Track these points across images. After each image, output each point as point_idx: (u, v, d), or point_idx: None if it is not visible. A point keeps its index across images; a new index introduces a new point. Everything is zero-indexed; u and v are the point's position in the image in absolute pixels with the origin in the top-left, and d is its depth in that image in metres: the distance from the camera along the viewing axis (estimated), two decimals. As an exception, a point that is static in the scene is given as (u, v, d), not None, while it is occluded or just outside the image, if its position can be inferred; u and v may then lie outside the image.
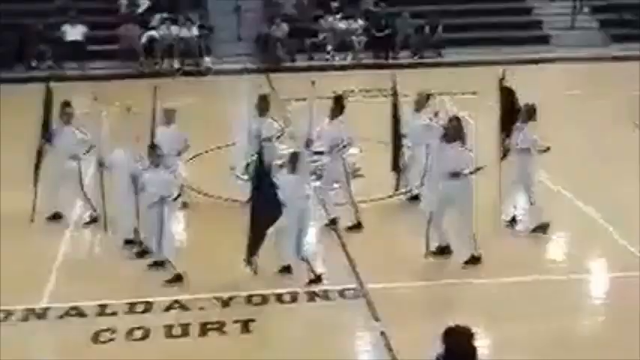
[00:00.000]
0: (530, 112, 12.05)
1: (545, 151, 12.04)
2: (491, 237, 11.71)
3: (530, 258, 11.68)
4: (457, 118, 11.23)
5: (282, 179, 10.83)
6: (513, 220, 12.49)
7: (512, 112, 12.16)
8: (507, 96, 12.26)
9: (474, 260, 11.14)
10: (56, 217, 12.83)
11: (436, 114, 11.85)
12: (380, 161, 13.63)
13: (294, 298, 10.42)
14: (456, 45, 25.58)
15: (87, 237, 12.56)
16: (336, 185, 12.64)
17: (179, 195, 11.11)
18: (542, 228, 12.17)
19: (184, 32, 24.83)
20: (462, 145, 10.99)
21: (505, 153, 12.19)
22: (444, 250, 11.38)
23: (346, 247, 11.85)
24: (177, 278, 10.72)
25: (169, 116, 12.74)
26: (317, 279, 10.71)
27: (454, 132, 11.00)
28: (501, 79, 12.25)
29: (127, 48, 24.78)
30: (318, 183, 12.72)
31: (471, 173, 10.95)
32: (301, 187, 10.68)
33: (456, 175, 10.88)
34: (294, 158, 10.79)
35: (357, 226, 12.41)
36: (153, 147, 11.06)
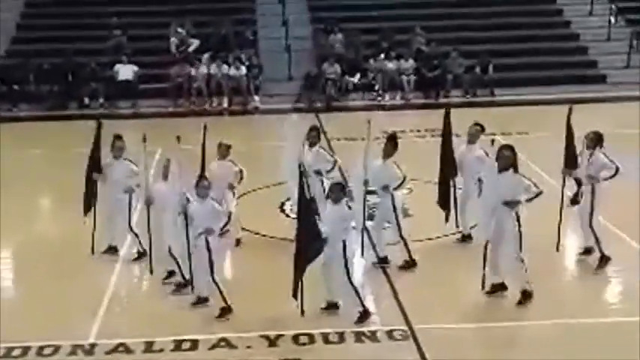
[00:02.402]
0: (597, 139, 11.94)
1: (613, 176, 11.83)
2: (547, 275, 11.48)
3: (587, 299, 11.40)
4: (508, 146, 10.98)
5: (326, 210, 10.73)
6: (587, 251, 12.29)
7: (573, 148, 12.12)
8: (570, 132, 12.13)
9: (526, 296, 10.89)
10: (112, 250, 12.91)
11: (493, 142, 11.64)
12: (429, 201, 13.45)
13: (341, 338, 10.22)
14: (510, 85, 25.44)
15: (135, 272, 12.54)
16: (387, 225, 12.44)
17: (225, 226, 11.00)
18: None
19: (233, 71, 25.06)
20: (515, 172, 10.79)
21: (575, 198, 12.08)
22: (498, 288, 11.12)
23: (395, 287, 11.66)
24: (226, 311, 10.65)
25: (224, 151, 12.87)
26: (365, 313, 10.54)
27: (506, 160, 10.79)
28: (569, 115, 12.07)
29: (177, 87, 25.05)
30: (370, 222, 12.55)
31: (528, 201, 10.73)
32: (343, 217, 10.50)
33: (510, 203, 10.68)
34: (335, 188, 10.64)
35: (410, 264, 12.21)
36: (200, 179, 10.96)
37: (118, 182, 12.60)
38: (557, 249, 12.38)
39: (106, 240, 12.90)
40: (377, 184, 12.10)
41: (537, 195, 10.80)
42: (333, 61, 25.29)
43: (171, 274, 11.72)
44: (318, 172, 12.85)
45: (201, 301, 10.93)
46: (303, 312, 10.58)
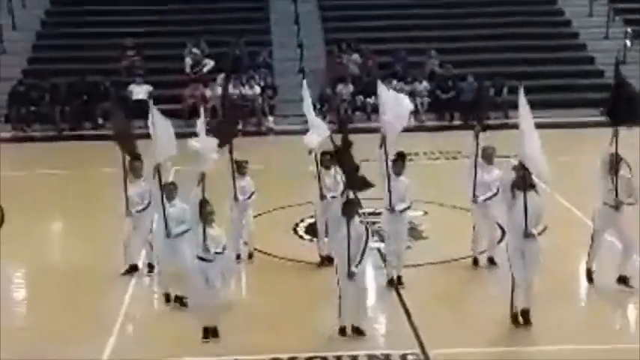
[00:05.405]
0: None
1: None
2: (566, 300, 11.37)
3: (606, 323, 11.22)
4: (522, 166, 10.85)
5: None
6: (623, 280, 11.98)
7: None
8: None
9: (525, 314, 10.79)
10: (133, 269, 12.88)
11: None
12: (444, 223, 13.38)
13: (354, 361, 10.14)
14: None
15: (149, 291, 12.52)
16: (395, 246, 12.31)
17: (224, 249, 10.69)
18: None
19: (247, 92, 25.06)
20: (536, 192, 10.69)
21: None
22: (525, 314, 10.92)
23: (409, 310, 11.56)
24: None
25: (243, 168, 13.17)
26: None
27: (523, 181, 10.66)
28: None
29: (192, 107, 25.03)
30: (379, 244, 12.47)
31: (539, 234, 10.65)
32: (359, 234, 10.43)
33: (531, 235, 10.57)
34: (349, 205, 10.55)
35: (398, 281, 12.15)
36: (202, 203, 10.62)
37: (136, 202, 12.62)
38: None
39: (127, 260, 12.84)
40: (390, 202, 11.98)
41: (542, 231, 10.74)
42: (346, 82, 25.25)
43: (168, 296, 11.75)
44: (333, 196, 12.85)
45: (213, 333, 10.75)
46: None
